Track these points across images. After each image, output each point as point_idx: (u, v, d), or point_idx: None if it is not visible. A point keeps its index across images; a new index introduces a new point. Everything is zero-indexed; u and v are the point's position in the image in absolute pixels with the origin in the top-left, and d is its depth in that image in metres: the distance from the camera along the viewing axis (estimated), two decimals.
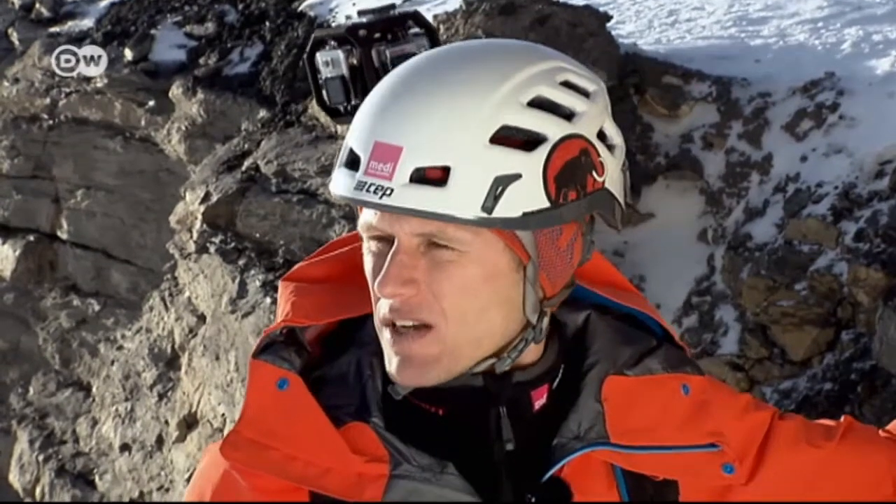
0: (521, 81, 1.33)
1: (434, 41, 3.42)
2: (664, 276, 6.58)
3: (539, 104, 1.34)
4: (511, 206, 1.30)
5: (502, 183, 1.29)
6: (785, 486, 1.52)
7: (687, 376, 1.49)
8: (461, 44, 1.47)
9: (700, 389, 1.49)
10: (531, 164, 1.31)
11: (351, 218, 7.33)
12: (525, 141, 1.32)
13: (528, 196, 1.31)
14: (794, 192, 6.29)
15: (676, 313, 6.38)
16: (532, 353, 1.43)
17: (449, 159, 1.29)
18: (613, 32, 7.53)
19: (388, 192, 1.29)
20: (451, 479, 1.37)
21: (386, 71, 3.38)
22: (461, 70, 1.34)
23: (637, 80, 7.17)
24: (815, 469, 1.54)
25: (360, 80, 3.42)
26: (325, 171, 7.70)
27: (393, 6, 3.57)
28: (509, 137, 1.31)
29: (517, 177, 1.30)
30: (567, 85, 1.37)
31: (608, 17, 7.49)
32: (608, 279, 1.54)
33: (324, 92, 3.47)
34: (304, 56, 3.55)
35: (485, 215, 1.29)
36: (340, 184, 1.35)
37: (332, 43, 3.46)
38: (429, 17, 7.78)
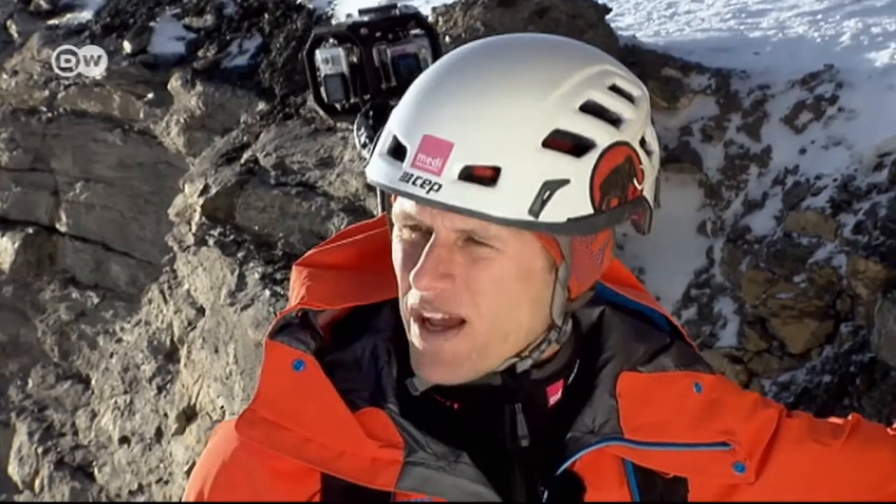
0: (574, 85, 1.32)
1: (435, 42, 3.42)
2: (663, 268, 6.58)
3: (590, 109, 1.33)
4: (557, 211, 1.29)
5: (551, 188, 1.29)
6: (790, 483, 1.52)
7: (699, 374, 1.50)
8: (510, 38, 1.44)
9: (711, 388, 1.50)
10: (580, 170, 1.30)
11: (350, 210, 7.32)
12: (574, 146, 1.31)
13: (574, 202, 1.30)
14: (793, 184, 6.29)
15: (675, 306, 6.38)
16: (549, 349, 1.42)
17: (500, 160, 1.28)
18: (612, 25, 7.51)
19: (437, 187, 1.28)
20: (466, 468, 1.37)
21: (386, 70, 3.39)
22: (516, 70, 1.32)
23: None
24: (822, 467, 1.54)
25: (360, 79, 3.41)
26: (324, 163, 7.69)
27: (395, 6, 3.56)
28: (560, 141, 1.30)
29: (565, 182, 1.30)
30: (615, 89, 1.37)
31: (607, 9, 7.48)
32: (620, 277, 1.54)
33: (322, 89, 3.45)
34: (304, 52, 3.54)
35: (531, 219, 1.29)
36: (383, 172, 1.33)
37: (332, 40, 3.45)
38: (427, 9, 7.78)
